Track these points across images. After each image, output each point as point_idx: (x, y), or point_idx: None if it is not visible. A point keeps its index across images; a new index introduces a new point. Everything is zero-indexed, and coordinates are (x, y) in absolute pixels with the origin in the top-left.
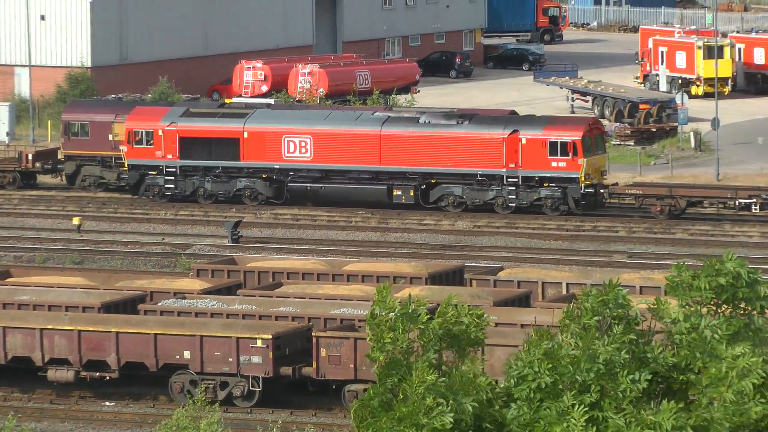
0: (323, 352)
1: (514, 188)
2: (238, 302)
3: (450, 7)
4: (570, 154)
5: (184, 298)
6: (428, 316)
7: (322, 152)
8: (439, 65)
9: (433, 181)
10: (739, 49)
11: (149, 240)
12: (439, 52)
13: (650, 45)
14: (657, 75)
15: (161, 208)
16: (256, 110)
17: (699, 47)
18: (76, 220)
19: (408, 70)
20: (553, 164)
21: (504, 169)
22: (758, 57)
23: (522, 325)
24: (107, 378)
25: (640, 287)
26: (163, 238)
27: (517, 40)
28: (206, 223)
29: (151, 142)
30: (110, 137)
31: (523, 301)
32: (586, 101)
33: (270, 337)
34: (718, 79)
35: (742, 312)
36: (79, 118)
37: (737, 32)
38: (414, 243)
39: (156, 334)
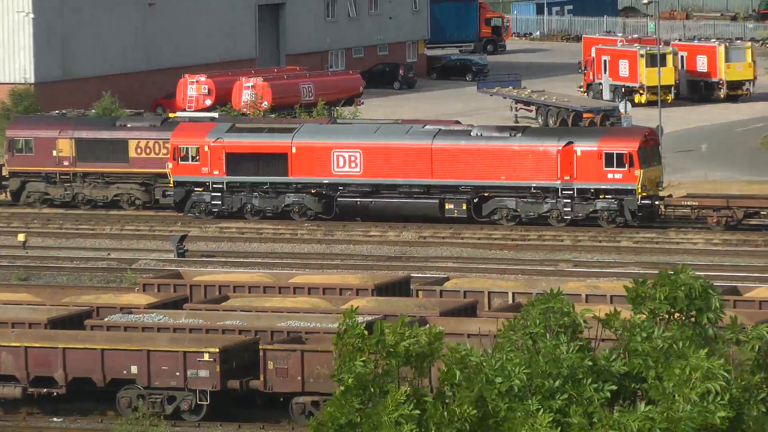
0: (270, 365)
1: (569, 200)
2: (185, 316)
3: (393, 18)
4: (626, 165)
5: (131, 312)
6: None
7: (372, 166)
8: (383, 77)
9: (486, 194)
10: (682, 57)
11: (95, 255)
12: (383, 63)
13: (593, 54)
14: (600, 84)
15: (107, 223)
16: (304, 125)
17: (642, 55)
18: (21, 237)
19: (352, 82)
20: (609, 176)
21: (559, 182)
22: (701, 64)
23: (468, 335)
24: (55, 394)
25: (586, 295)
26: (109, 254)
27: (460, 50)
28: (152, 238)
29: (197, 158)
30: (54, 153)
31: (469, 311)
32: (530, 111)
33: (217, 350)
34: (661, 87)
35: (693, 321)
36: (23, 135)
37: (680, 40)
38: (360, 254)
39: (103, 350)
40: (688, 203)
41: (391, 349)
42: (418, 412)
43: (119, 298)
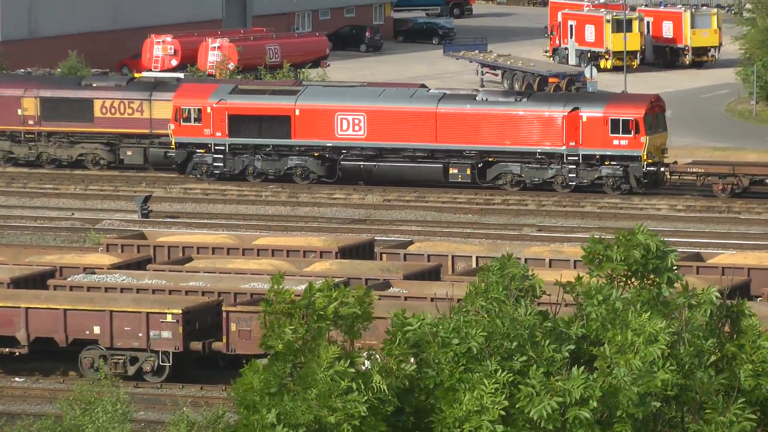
0: (233, 327)
1: (574, 167)
2: (148, 277)
3: None
4: (632, 132)
5: (94, 273)
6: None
7: (376, 130)
8: (349, 39)
9: (490, 159)
10: (648, 22)
11: (59, 215)
12: (349, 26)
13: (559, 18)
14: (566, 48)
15: (71, 182)
16: (308, 87)
17: (608, 21)
18: None
19: (318, 45)
20: (615, 142)
21: (564, 147)
22: (666, 30)
23: (432, 299)
24: (17, 353)
25: (550, 260)
26: (73, 213)
27: (426, 14)
28: (116, 198)
29: (199, 119)
30: (19, 112)
31: (433, 274)
32: (496, 75)
33: (180, 311)
34: (627, 52)
35: (650, 283)
36: None
37: (646, 6)
38: (324, 217)
39: (65, 310)
40: (694, 170)
41: (321, 312)
42: (353, 370)
43: (82, 259)
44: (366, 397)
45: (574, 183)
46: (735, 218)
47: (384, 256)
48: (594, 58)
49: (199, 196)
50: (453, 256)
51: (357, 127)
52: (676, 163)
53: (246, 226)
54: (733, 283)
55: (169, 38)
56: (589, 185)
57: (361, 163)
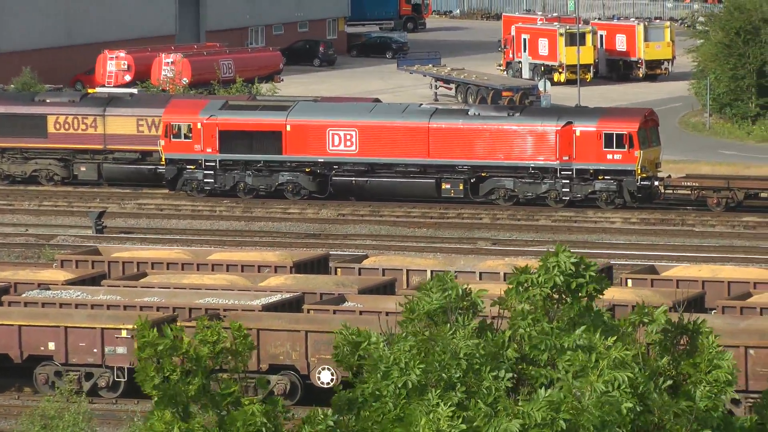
0: None
1: (567, 181)
2: (103, 293)
3: None
4: (626, 146)
5: (48, 289)
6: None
7: (368, 145)
8: (303, 54)
9: (483, 174)
10: (601, 36)
11: (13, 231)
12: (303, 40)
13: (513, 32)
14: (520, 62)
15: (25, 198)
16: (299, 102)
17: (561, 34)
18: None
19: (271, 59)
20: (609, 156)
21: (557, 162)
22: (620, 43)
23: (387, 313)
24: None
25: (504, 274)
26: (27, 229)
27: (380, 28)
28: (70, 214)
29: (190, 135)
30: None
31: (388, 288)
32: (450, 89)
33: (134, 327)
34: (580, 66)
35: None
36: None
37: (599, 19)
38: (279, 232)
39: (20, 326)
40: (688, 184)
41: (194, 355)
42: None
43: (37, 274)
44: None
45: (567, 198)
46: (689, 231)
47: (339, 270)
48: (548, 72)
49: (153, 211)
50: (408, 270)
51: (349, 143)
52: (669, 177)
53: (201, 241)
54: (688, 296)
55: (122, 54)
56: (582, 200)
57: (353, 178)
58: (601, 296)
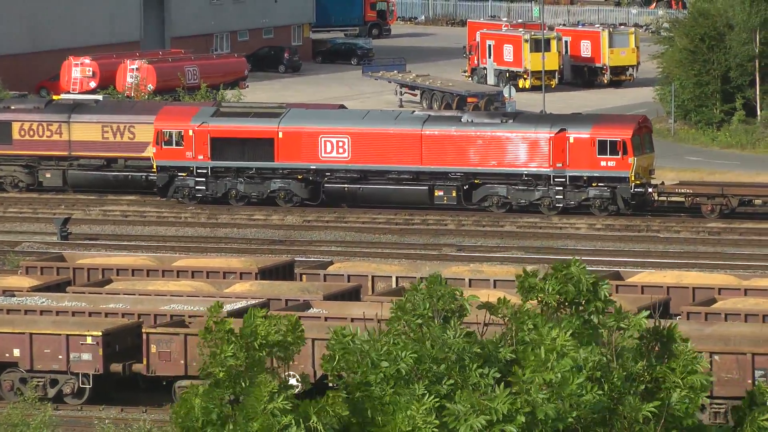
0: (153, 348)
1: (561, 188)
2: (68, 299)
3: (278, 2)
4: (620, 153)
5: (13, 295)
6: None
7: (360, 152)
8: (268, 60)
9: (476, 181)
10: (566, 42)
11: None
12: (268, 47)
13: (478, 38)
14: (485, 68)
15: None
16: (291, 109)
17: (526, 40)
18: None
19: (236, 66)
20: (602, 163)
21: (551, 169)
22: (585, 50)
23: (352, 319)
24: None
25: (470, 280)
26: None
27: (345, 34)
28: (35, 220)
29: (181, 142)
30: None
31: (353, 294)
32: (415, 95)
33: (100, 333)
34: (545, 72)
35: (582, 311)
36: None
37: (564, 25)
38: (244, 238)
39: None
40: (682, 191)
41: (264, 341)
42: (290, 404)
43: (1, 281)
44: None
45: (561, 205)
46: (654, 237)
47: (304, 276)
48: (512, 78)
49: (118, 217)
50: (373, 276)
51: (341, 150)
52: (663, 183)
53: (166, 247)
54: (653, 301)
55: (87, 60)
56: (576, 207)
57: (346, 185)
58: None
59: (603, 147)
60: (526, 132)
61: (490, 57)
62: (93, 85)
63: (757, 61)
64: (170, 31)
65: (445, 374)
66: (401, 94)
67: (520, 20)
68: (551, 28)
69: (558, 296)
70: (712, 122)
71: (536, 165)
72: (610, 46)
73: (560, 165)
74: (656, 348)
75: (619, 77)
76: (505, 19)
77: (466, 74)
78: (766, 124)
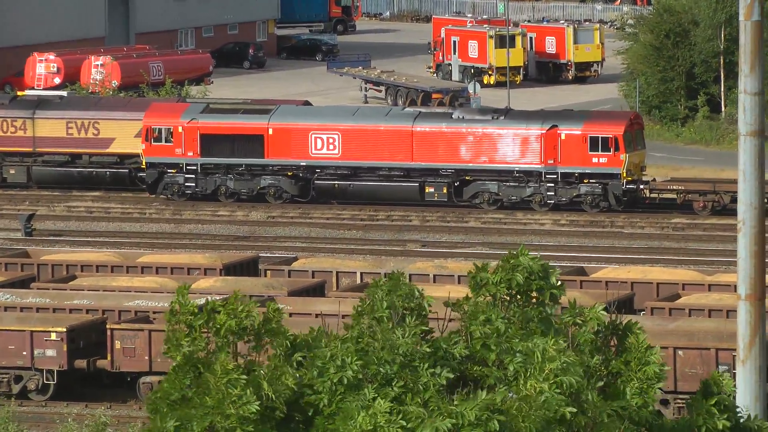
0: (118, 344)
1: (552, 185)
2: (32, 295)
3: None
4: (611, 149)
5: None
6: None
7: (351, 149)
8: (233, 56)
9: (467, 178)
10: (531, 38)
11: None
12: (233, 43)
13: (443, 35)
14: (450, 64)
15: None
16: (281, 106)
17: (491, 36)
18: None
19: (201, 62)
20: (594, 160)
21: (542, 166)
22: (549, 46)
23: (317, 315)
24: None
25: (434, 276)
26: None
27: (310, 30)
28: None
29: (171, 139)
30: None
31: (317, 290)
32: (380, 91)
33: (64, 330)
34: (510, 68)
35: (535, 301)
36: None
37: (529, 21)
38: (208, 234)
39: None
40: (674, 188)
41: (217, 327)
42: (245, 377)
43: None
44: (257, 402)
45: (552, 201)
46: (618, 232)
47: (268, 272)
48: (477, 74)
49: (83, 214)
50: (337, 272)
51: (331, 146)
52: (654, 180)
53: (130, 243)
54: (617, 297)
55: (52, 56)
56: (567, 203)
57: (336, 182)
58: (557, 303)
59: (595, 143)
60: (517, 128)
61: (455, 53)
62: (57, 81)
63: (721, 57)
64: (135, 27)
65: (395, 376)
66: (366, 90)
67: (485, 16)
68: (516, 25)
69: (507, 289)
70: (677, 118)
71: (527, 161)
72: (575, 42)
73: (552, 162)
74: (613, 342)
75: (584, 73)
76: (470, 15)
77: (431, 70)
78: (731, 120)
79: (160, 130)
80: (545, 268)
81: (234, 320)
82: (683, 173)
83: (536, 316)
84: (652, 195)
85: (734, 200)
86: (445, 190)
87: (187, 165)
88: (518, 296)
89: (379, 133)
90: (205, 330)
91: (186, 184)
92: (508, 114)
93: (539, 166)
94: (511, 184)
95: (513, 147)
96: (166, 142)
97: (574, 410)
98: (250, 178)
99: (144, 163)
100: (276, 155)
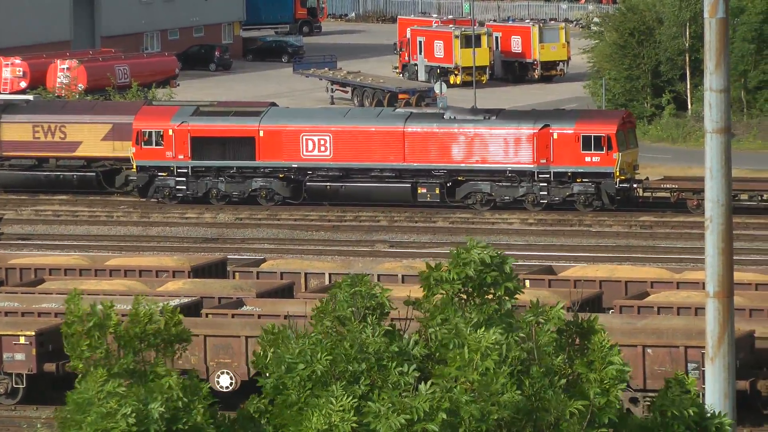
0: None
1: (545, 184)
2: (0, 299)
3: (208, 0)
4: (604, 148)
5: None
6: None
7: (342, 150)
8: (199, 58)
9: (460, 178)
10: (497, 37)
11: None
12: (198, 45)
13: (408, 35)
14: (416, 65)
15: None
16: (272, 108)
17: (456, 36)
18: None
19: (167, 64)
20: (587, 159)
21: (535, 165)
22: (515, 45)
23: (285, 316)
24: None
25: (402, 276)
26: None
27: (275, 32)
28: None
29: (161, 142)
30: None
31: (286, 292)
32: (346, 92)
33: (33, 333)
34: (476, 67)
35: (491, 297)
36: None
37: (494, 21)
38: (176, 237)
39: None
40: (667, 186)
41: (112, 331)
42: (123, 388)
43: None
44: (133, 414)
45: (545, 201)
46: (586, 231)
47: (237, 274)
48: (443, 74)
49: (50, 217)
50: (306, 274)
51: (323, 148)
52: (648, 179)
53: (98, 246)
54: (585, 295)
55: (17, 60)
56: (560, 203)
57: (328, 184)
58: (515, 298)
59: (587, 142)
60: (509, 128)
61: (420, 53)
62: (23, 85)
63: (687, 55)
64: (100, 31)
65: (362, 374)
66: (332, 91)
67: (450, 16)
68: (482, 24)
69: (462, 286)
70: (643, 116)
71: (520, 161)
72: (541, 41)
73: (544, 161)
74: (576, 341)
75: (550, 72)
76: (435, 15)
77: (397, 71)
78: (697, 117)
79: (150, 134)
80: (500, 256)
81: (138, 326)
82: (678, 172)
83: (493, 312)
84: (646, 194)
85: None
86: (437, 191)
87: (177, 168)
88: (473, 292)
89: (370, 134)
90: (112, 333)
91: (177, 187)
92: (499, 114)
93: (532, 166)
94: (503, 184)
95: (505, 147)
96: (156, 145)
97: (514, 397)
98: (241, 181)
99: (134, 167)
100: (267, 157)
